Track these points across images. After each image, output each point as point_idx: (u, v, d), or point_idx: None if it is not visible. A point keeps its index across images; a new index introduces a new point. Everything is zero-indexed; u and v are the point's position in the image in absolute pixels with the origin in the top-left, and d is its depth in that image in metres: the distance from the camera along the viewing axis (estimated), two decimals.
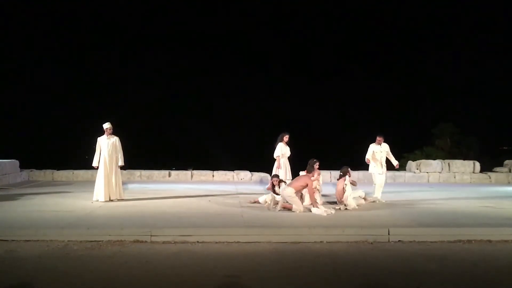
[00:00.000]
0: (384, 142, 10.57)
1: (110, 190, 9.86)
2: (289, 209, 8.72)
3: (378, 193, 10.50)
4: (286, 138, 10.59)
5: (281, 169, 10.46)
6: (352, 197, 9.46)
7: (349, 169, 9.75)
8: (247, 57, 37.31)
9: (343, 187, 9.39)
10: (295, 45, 37.73)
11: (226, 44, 37.57)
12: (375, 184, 10.65)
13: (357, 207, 9.27)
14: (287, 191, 8.78)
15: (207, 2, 37.28)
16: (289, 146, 10.69)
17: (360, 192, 10.09)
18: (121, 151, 10.12)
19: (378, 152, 10.48)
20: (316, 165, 9.81)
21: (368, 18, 36.62)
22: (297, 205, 8.70)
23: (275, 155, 10.57)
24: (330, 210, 8.63)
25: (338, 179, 9.76)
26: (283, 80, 35.42)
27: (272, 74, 35.10)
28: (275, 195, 9.20)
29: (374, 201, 10.23)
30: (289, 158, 10.78)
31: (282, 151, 10.51)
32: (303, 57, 37.54)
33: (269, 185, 9.62)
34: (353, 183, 9.75)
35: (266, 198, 9.52)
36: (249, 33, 37.41)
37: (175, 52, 35.75)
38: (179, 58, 35.65)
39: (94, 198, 9.82)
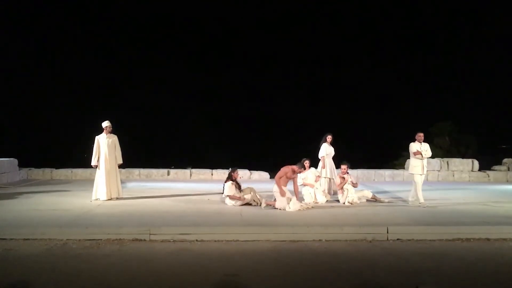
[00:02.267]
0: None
1: (110, 189, 9.87)
2: (274, 206, 8.92)
3: (420, 196, 9.51)
4: (329, 138, 10.88)
5: (325, 168, 10.71)
6: (356, 197, 9.67)
7: (342, 165, 9.79)
8: (247, 56, 37.33)
9: (341, 183, 9.68)
10: (295, 44, 37.72)
11: (225, 44, 37.56)
12: (415, 187, 9.57)
13: (356, 203, 9.51)
14: (273, 188, 9.12)
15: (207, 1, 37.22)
16: (332, 146, 10.92)
17: (366, 193, 10.12)
18: (119, 149, 10.14)
19: (422, 151, 9.48)
20: (307, 163, 9.92)
21: (368, 17, 36.62)
22: (280, 202, 8.85)
23: (320, 155, 10.85)
24: (304, 207, 8.74)
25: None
26: (283, 79, 35.45)
27: (271, 72, 35.10)
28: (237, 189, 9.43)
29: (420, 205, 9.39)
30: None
31: (327, 151, 10.80)
32: (302, 57, 37.54)
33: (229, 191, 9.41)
34: (354, 185, 9.77)
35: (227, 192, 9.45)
36: (248, 32, 37.40)
37: (174, 51, 35.73)
38: (178, 57, 35.63)
39: (94, 197, 9.81)
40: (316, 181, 9.90)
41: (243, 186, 9.75)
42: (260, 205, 9.11)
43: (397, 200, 10.32)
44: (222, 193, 9.60)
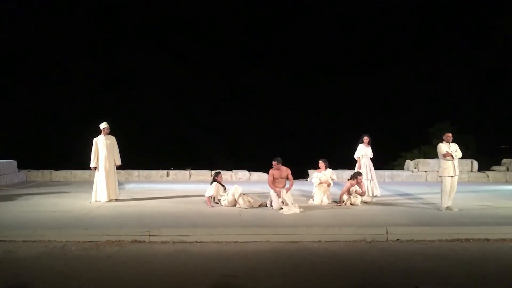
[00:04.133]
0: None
1: (110, 190, 9.87)
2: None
3: (444, 200, 9.05)
4: (366, 139, 11.05)
5: (361, 169, 10.85)
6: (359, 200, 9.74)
7: (358, 177, 9.75)
8: (246, 56, 37.36)
9: (349, 190, 9.63)
10: (293, 44, 37.72)
11: (224, 43, 37.58)
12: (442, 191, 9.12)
13: (357, 205, 9.54)
14: (271, 191, 9.29)
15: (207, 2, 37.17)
16: (370, 146, 11.10)
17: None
18: (118, 150, 10.14)
19: (452, 152, 9.01)
20: (322, 164, 10.06)
21: (367, 15, 36.67)
22: (274, 203, 9.03)
23: (355, 157, 11.08)
24: (296, 210, 8.63)
25: (348, 179, 9.95)
26: (282, 79, 35.45)
27: (271, 73, 35.10)
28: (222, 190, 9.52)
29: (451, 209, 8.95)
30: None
31: (361, 152, 11.00)
32: (301, 56, 37.58)
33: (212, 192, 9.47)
34: (360, 194, 9.73)
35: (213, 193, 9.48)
36: (247, 32, 37.46)
37: (173, 52, 35.71)
38: (177, 58, 35.62)
39: (93, 199, 9.79)
40: (328, 185, 9.94)
41: (243, 188, 9.74)
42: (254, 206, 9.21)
43: (395, 201, 10.32)
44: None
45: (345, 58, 36.81)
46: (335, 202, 9.79)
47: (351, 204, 9.51)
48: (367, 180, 10.84)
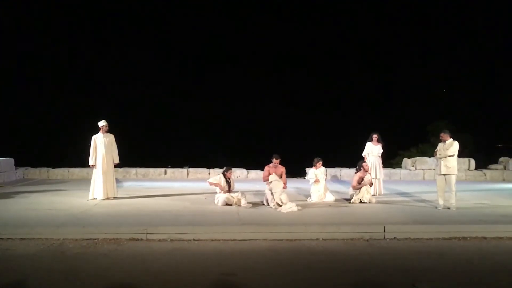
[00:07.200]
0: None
1: (107, 188, 9.85)
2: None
3: (438, 197, 9.14)
4: (375, 137, 11.15)
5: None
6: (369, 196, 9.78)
7: (363, 164, 9.84)
8: (243, 55, 37.30)
9: (358, 181, 9.71)
10: (288, 40, 37.64)
11: (221, 42, 37.53)
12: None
13: (372, 201, 9.64)
14: (266, 189, 9.31)
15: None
16: (380, 143, 11.16)
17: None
18: (116, 148, 10.13)
19: (440, 150, 9.10)
20: (319, 163, 10.06)
21: (366, 13, 36.67)
22: (270, 201, 9.01)
23: (363, 154, 11.22)
24: (293, 208, 8.63)
25: (355, 172, 10.07)
26: (280, 78, 35.44)
27: (269, 72, 35.07)
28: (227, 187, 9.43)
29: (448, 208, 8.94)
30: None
31: (367, 150, 11.13)
32: (296, 53, 37.52)
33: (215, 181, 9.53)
34: (370, 184, 9.78)
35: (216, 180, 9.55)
36: (246, 32, 37.41)
37: (170, 51, 35.66)
38: (174, 56, 35.59)
39: (90, 197, 9.78)
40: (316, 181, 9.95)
41: (241, 186, 9.72)
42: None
43: (392, 199, 10.34)
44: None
45: (342, 54, 36.78)
46: (347, 200, 9.84)
47: (360, 200, 9.56)
48: (372, 178, 10.87)
